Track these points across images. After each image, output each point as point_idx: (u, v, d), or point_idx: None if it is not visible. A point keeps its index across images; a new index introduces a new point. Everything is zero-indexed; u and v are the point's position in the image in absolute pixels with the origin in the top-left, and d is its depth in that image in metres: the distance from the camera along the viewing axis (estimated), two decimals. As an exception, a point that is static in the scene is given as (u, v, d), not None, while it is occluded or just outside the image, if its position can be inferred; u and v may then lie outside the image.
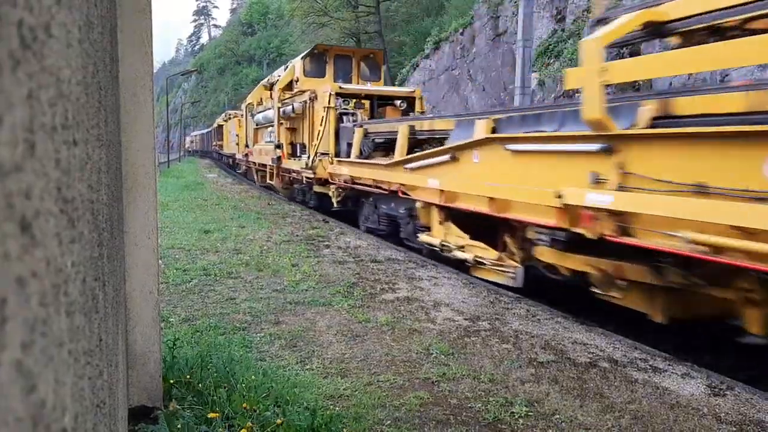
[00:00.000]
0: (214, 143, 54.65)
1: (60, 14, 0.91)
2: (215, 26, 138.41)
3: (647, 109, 5.37)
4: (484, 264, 8.05)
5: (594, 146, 5.66)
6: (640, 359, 5.30)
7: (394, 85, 28.65)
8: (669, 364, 5.19)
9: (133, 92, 3.43)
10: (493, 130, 7.67)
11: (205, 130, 70.52)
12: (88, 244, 1.21)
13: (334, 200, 14.37)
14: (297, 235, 12.09)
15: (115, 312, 2.10)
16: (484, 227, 8.08)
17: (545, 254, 6.86)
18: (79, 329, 1.03)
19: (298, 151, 17.26)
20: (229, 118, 40.12)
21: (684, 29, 5.41)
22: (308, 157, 15.34)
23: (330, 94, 14.40)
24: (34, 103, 0.77)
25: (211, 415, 3.52)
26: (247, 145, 26.04)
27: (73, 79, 1.04)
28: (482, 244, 8.13)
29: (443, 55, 27.22)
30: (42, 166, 0.80)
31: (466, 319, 6.37)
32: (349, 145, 13.34)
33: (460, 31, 25.90)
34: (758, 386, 5.01)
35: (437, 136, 9.92)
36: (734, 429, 3.98)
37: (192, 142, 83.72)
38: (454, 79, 24.90)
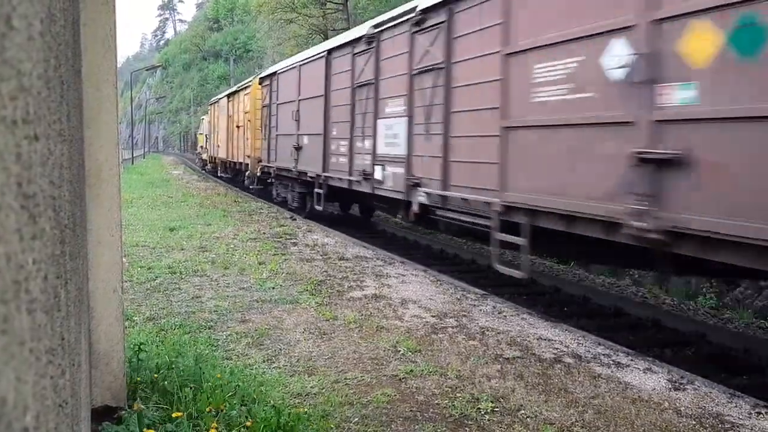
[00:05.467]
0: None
1: (21, 6, 0.89)
2: (181, 21, 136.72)
3: None
4: None
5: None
6: (603, 354, 5.39)
7: None
8: (631, 359, 5.29)
9: (97, 87, 3.37)
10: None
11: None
12: (49, 241, 1.19)
13: None
14: (264, 233, 12.01)
15: (78, 310, 2.06)
16: None
17: None
18: (41, 327, 1.02)
19: None
20: None
21: None
22: None
23: None
24: (-6, 97, 0.75)
25: (175, 414, 3.48)
26: None
27: (35, 73, 1.02)
28: None
29: (411, 53, 27.20)
30: (2, 160, 0.78)
31: (433, 317, 6.41)
32: None
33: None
34: (716, 380, 5.15)
35: None
36: (694, 422, 4.07)
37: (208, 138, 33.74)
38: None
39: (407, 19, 8.91)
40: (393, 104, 9.55)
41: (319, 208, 13.04)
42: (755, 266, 4.19)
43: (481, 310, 6.77)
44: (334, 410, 4.07)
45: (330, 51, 12.50)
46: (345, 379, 4.66)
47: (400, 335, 5.72)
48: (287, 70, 15.54)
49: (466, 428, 3.93)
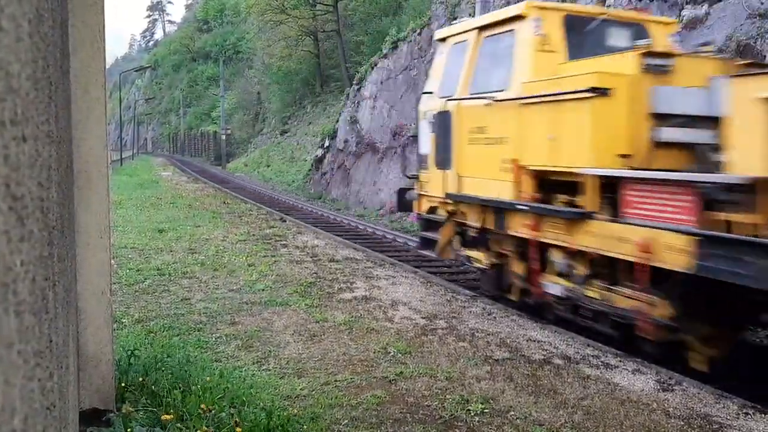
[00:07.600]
0: None
1: (9, 7, 0.89)
2: (170, 22, 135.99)
3: None
4: None
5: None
6: (592, 356, 5.41)
7: (351, 85, 28.39)
8: (620, 361, 5.32)
9: (85, 88, 3.35)
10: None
11: None
12: (37, 242, 1.18)
13: None
14: (253, 235, 11.98)
15: (66, 312, 2.05)
16: None
17: None
18: (29, 330, 1.01)
19: None
20: None
21: None
22: None
23: None
24: (-18, 98, 0.75)
25: (164, 417, 3.46)
26: None
27: (23, 74, 1.01)
28: None
29: (401, 54, 27.27)
30: (-10, 162, 0.78)
31: (423, 318, 6.41)
32: None
33: (418, 31, 26.00)
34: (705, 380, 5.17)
35: None
36: (682, 423, 4.10)
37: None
38: (411, 79, 24.98)
39: None
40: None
41: None
42: None
43: (470, 311, 6.78)
44: (324, 412, 4.06)
45: None
46: (335, 380, 4.65)
47: (390, 337, 5.72)
48: None
49: (456, 429, 3.93)
